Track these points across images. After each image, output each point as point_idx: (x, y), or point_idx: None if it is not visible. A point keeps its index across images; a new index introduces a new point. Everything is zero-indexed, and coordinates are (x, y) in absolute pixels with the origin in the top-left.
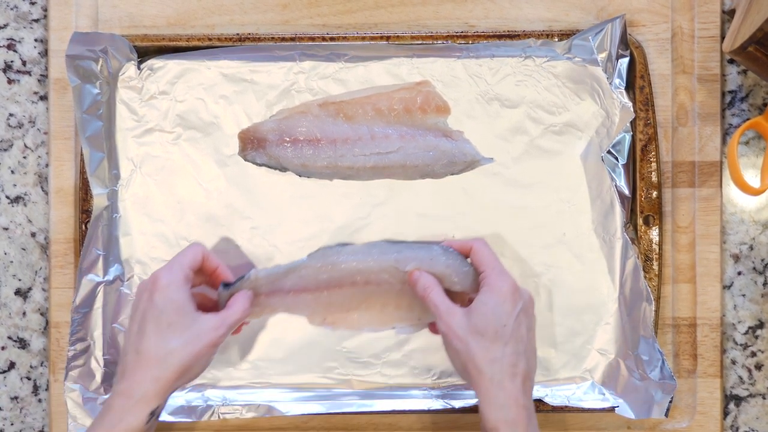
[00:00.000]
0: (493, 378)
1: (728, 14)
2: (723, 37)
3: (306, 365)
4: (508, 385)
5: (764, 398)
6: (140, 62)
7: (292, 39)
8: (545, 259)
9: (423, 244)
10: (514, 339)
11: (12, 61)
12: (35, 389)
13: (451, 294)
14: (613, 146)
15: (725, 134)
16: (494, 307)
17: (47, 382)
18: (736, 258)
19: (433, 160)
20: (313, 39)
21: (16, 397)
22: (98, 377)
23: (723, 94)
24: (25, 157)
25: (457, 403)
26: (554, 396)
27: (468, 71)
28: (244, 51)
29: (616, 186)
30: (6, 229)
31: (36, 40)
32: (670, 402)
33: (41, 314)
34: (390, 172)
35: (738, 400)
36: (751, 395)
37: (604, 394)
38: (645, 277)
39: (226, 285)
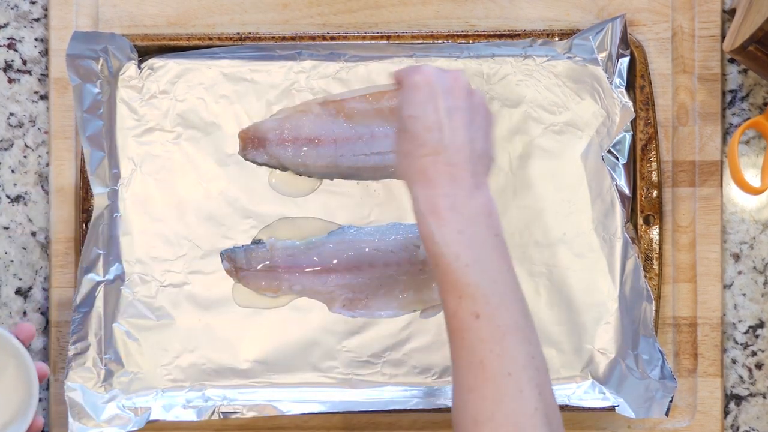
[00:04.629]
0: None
1: (728, 14)
2: (723, 37)
3: (306, 364)
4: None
5: (765, 398)
6: (141, 62)
7: (293, 38)
8: (545, 258)
9: None
10: (443, 143)
11: (12, 61)
12: None
13: None
14: (614, 146)
15: (726, 134)
16: (406, 106)
17: (48, 382)
18: (737, 257)
19: None
20: (313, 38)
21: None
22: (99, 376)
23: (723, 94)
24: (25, 157)
25: None
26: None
27: (468, 71)
28: (245, 50)
29: (616, 185)
30: (6, 228)
31: (36, 40)
32: (671, 401)
33: (41, 313)
34: (391, 172)
35: (738, 399)
36: (751, 394)
37: (604, 394)
38: (645, 276)
39: (239, 248)
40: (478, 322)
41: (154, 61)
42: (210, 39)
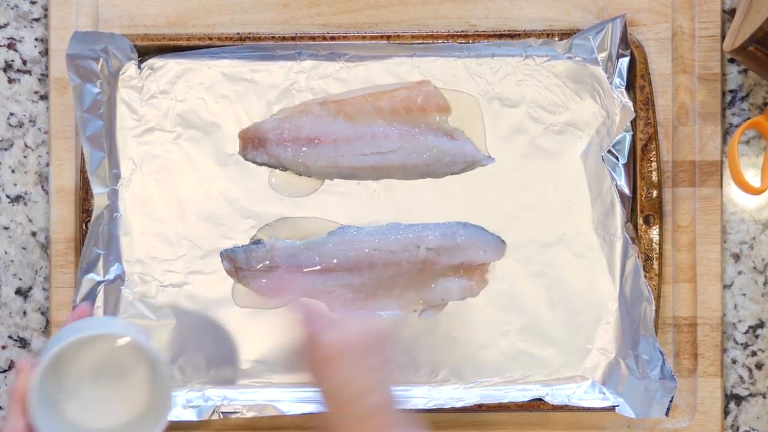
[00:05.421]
0: None
1: (728, 14)
2: (723, 37)
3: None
4: None
5: (765, 398)
6: (141, 62)
7: (293, 38)
8: (545, 258)
9: (439, 222)
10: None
11: (12, 61)
12: None
13: (472, 267)
14: (614, 146)
15: (726, 134)
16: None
17: None
18: (737, 257)
19: (433, 160)
20: (313, 38)
21: None
22: None
23: (723, 94)
24: (25, 157)
25: (458, 403)
26: (554, 395)
27: (468, 71)
28: (245, 50)
29: (616, 185)
30: (6, 228)
31: (36, 40)
32: (671, 401)
33: (42, 314)
34: (390, 172)
35: (738, 399)
36: (751, 394)
37: (604, 394)
38: (645, 276)
39: (239, 248)
40: None
41: (154, 61)
42: (210, 39)
